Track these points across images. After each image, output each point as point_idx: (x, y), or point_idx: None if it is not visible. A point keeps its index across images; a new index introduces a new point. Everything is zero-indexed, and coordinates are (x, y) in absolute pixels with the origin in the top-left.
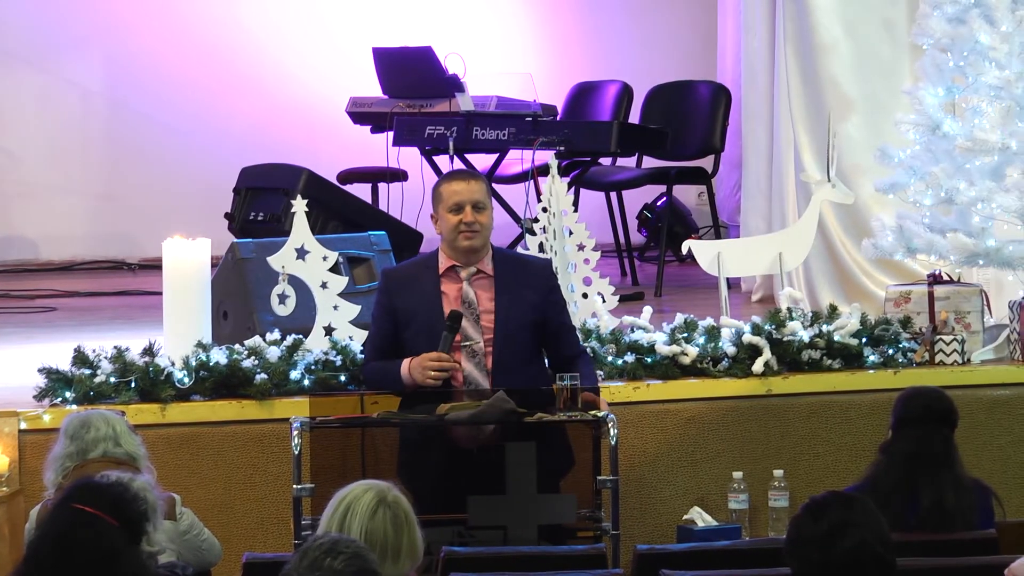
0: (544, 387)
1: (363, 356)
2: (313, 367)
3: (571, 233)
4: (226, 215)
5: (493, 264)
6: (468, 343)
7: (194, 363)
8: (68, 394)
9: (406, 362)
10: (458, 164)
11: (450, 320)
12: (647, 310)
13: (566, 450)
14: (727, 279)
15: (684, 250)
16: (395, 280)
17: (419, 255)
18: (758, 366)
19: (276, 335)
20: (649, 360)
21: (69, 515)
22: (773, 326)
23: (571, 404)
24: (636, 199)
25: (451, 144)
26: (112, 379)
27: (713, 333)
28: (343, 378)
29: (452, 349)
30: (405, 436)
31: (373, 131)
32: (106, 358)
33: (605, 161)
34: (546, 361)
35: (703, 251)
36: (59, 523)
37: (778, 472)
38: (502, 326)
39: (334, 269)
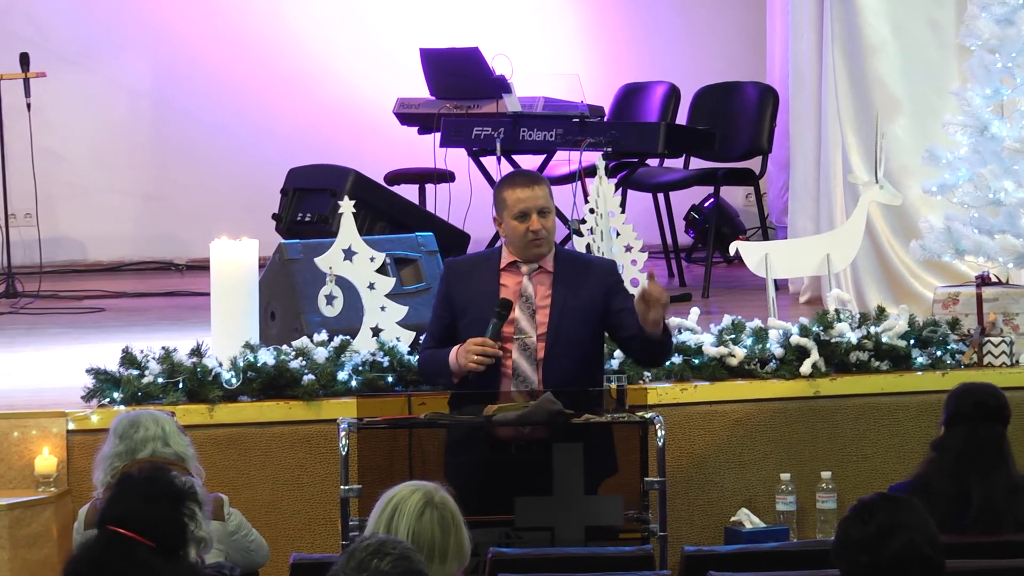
0: (593, 388)
1: (421, 345)
2: (360, 368)
3: (618, 234)
4: (273, 216)
5: (555, 262)
6: (520, 336)
7: (242, 364)
8: (116, 395)
9: (455, 348)
10: (505, 166)
11: (499, 307)
12: (694, 311)
13: (609, 455)
14: (775, 280)
15: (731, 251)
16: (456, 271)
17: (483, 249)
18: (806, 367)
19: (323, 336)
20: (696, 361)
21: (104, 539)
22: (821, 327)
23: (618, 405)
24: (683, 200)
25: (498, 145)
26: (160, 380)
27: (761, 335)
28: (390, 379)
29: (504, 340)
30: (452, 437)
31: (420, 132)
32: (154, 359)
33: (652, 162)
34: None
35: (750, 252)
36: (94, 548)
37: (826, 474)
38: (556, 319)
39: (381, 270)
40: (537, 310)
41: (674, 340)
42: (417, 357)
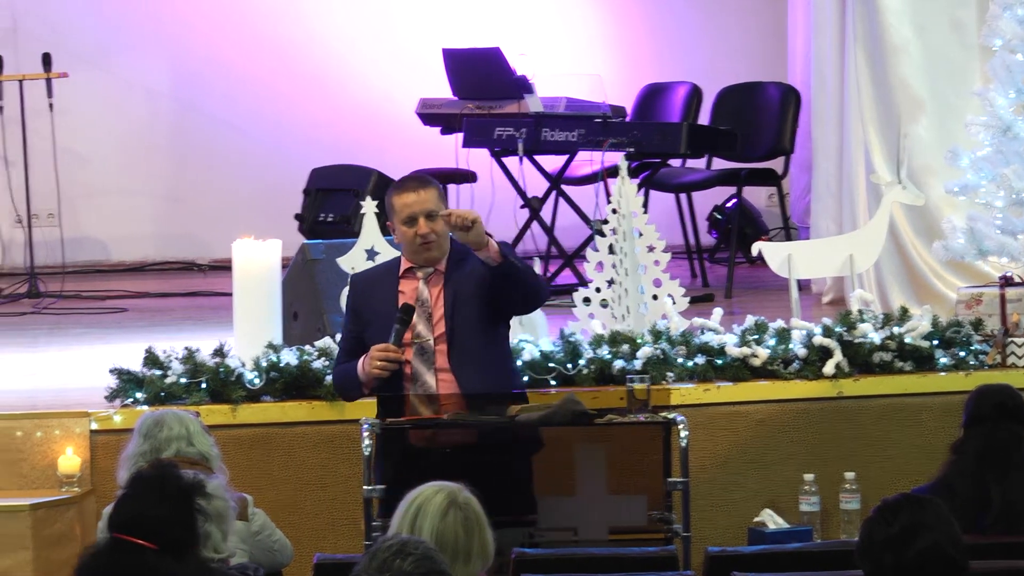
0: (508, 368)
1: (335, 361)
2: None
3: (641, 235)
4: (296, 216)
5: (448, 260)
6: (418, 340)
7: (264, 364)
8: (139, 395)
9: (362, 359)
10: (528, 166)
11: (401, 312)
12: (717, 312)
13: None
14: (797, 281)
15: (754, 252)
16: (358, 284)
17: (387, 260)
18: (829, 368)
19: None
20: (719, 362)
21: (109, 546)
22: (844, 328)
23: (642, 406)
24: (706, 201)
25: (520, 145)
26: (183, 380)
27: (784, 335)
28: None
29: (406, 345)
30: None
31: (443, 132)
32: (177, 359)
33: (675, 162)
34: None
35: (773, 253)
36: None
37: (849, 474)
38: (449, 316)
39: None
40: (433, 312)
41: (520, 263)
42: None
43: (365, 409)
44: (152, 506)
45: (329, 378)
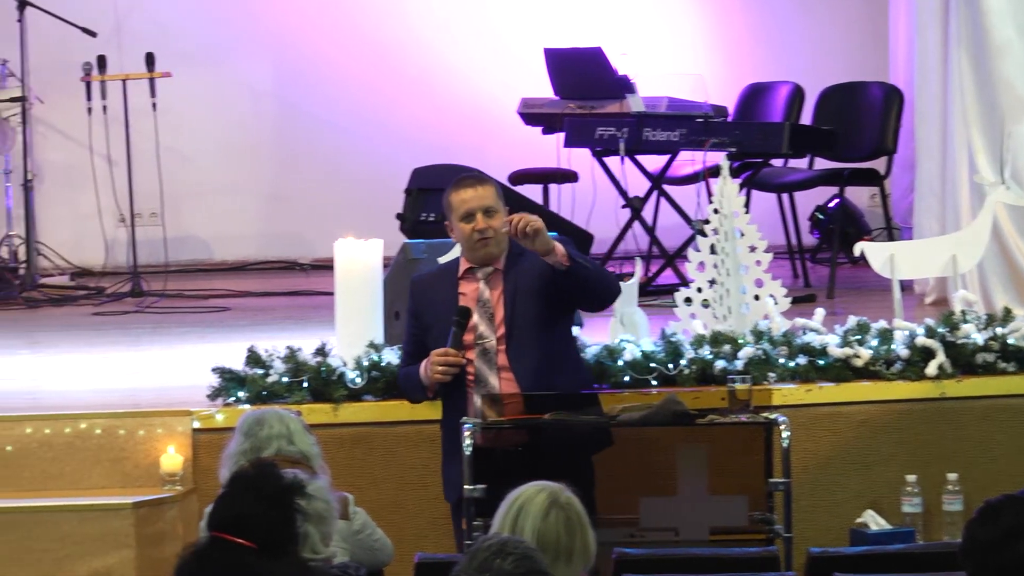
0: (573, 362)
1: (399, 363)
2: None
3: (742, 235)
4: (397, 215)
5: (507, 259)
6: (480, 341)
7: (366, 363)
8: (241, 394)
9: (423, 363)
10: (629, 166)
11: (458, 315)
12: (819, 312)
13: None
14: (900, 281)
15: (856, 252)
16: (418, 286)
17: (446, 262)
18: (931, 369)
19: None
20: (821, 362)
21: (208, 545)
22: (947, 329)
23: (743, 407)
24: (808, 200)
25: (622, 145)
26: (284, 379)
27: (886, 336)
28: None
29: (467, 347)
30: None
31: (544, 132)
32: (279, 358)
33: (777, 162)
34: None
35: (876, 253)
36: (199, 554)
37: (952, 475)
38: (509, 314)
39: None
40: (495, 312)
41: (589, 263)
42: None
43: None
44: (251, 505)
45: None
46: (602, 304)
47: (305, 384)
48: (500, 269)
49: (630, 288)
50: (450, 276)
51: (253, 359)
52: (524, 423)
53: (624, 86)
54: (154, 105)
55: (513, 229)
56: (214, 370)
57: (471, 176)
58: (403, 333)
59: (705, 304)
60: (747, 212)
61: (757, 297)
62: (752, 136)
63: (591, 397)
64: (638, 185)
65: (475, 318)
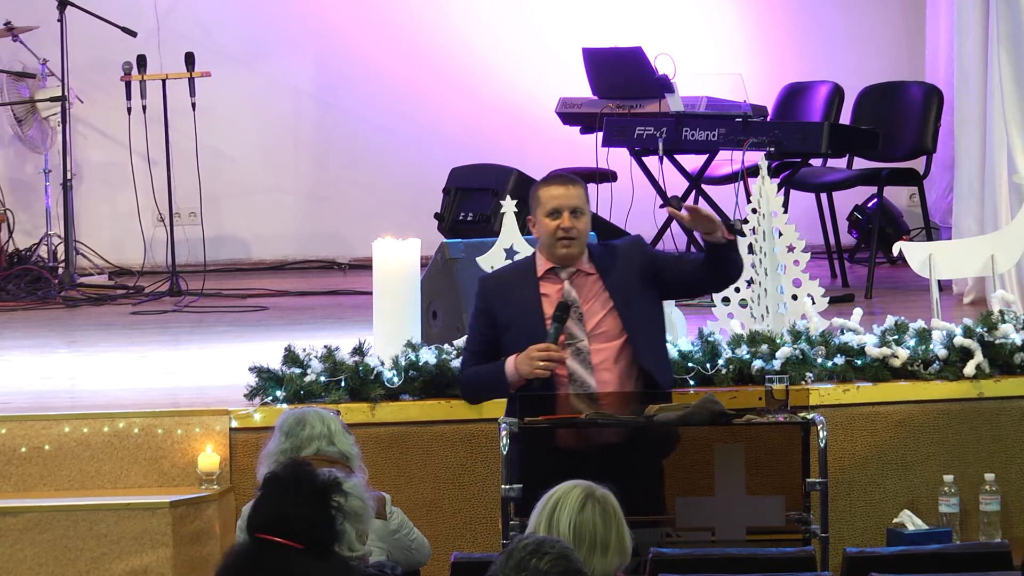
0: (669, 367)
1: (461, 364)
2: None
3: (781, 234)
4: (436, 215)
5: (592, 260)
6: (572, 341)
7: (404, 363)
8: (279, 393)
9: (511, 358)
10: (668, 165)
11: (559, 310)
12: (857, 312)
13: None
14: (938, 281)
15: (895, 252)
16: (492, 286)
17: (516, 261)
18: (970, 369)
19: None
20: (859, 362)
21: (252, 546)
22: (985, 329)
23: (781, 406)
24: (847, 200)
25: (660, 145)
26: (322, 378)
27: (924, 335)
28: None
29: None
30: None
31: (583, 132)
32: (316, 357)
33: (816, 162)
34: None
35: (914, 253)
36: (243, 555)
37: (989, 476)
38: (624, 312)
39: None
40: (584, 314)
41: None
42: (460, 376)
43: (503, 408)
44: (291, 506)
45: None
46: (725, 282)
47: (342, 383)
48: (587, 271)
49: None
50: (528, 275)
51: (291, 358)
52: (562, 422)
53: (663, 86)
54: (193, 104)
55: (697, 217)
56: (252, 369)
57: (561, 175)
58: (469, 333)
59: (743, 304)
60: (785, 212)
61: (795, 297)
62: (791, 136)
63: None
64: (677, 185)
65: None
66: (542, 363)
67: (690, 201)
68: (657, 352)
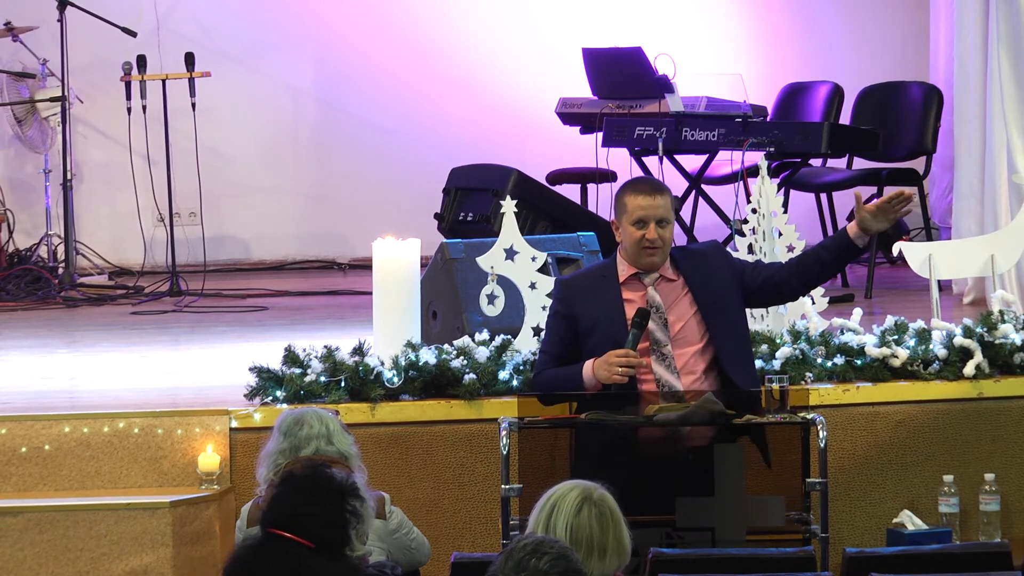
0: (755, 373)
1: (537, 365)
2: (522, 367)
3: (781, 234)
4: (436, 215)
5: (675, 266)
6: (657, 347)
7: (403, 363)
8: (279, 393)
9: (589, 363)
10: (668, 166)
11: (638, 316)
12: (857, 312)
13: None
14: (938, 281)
15: (895, 252)
16: (574, 289)
17: (594, 264)
18: (969, 369)
19: (485, 335)
20: (859, 362)
21: (264, 540)
22: (985, 329)
23: (780, 406)
24: (847, 200)
25: (660, 145)
26: (322, 378)
27: (924, 336)
28: None
29: (640, 353)
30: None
31: (582, 132)
32: (316, 357)
33: (816, 162)
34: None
35: (914, 253)
36: (254, 549)
37: (989, 476)
38: (710, 319)
39: (543, 270)
40: (668, 319)
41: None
42: (535, 378)
43: (504, 408)
44: (306, 504)
45: (468, 377)
46: (808, 287)
47: (343, 383)
48: (670, 278)
49: None
50: (610, 281)
51: (291, 358)
52: (561, 422)
53: (663, 86)
54: (193, 105)
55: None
56: (252, 369)
57: (650, 182)
58: (546, 335)
59: None
60: (785, 212)
61: None
62: (791, 136)
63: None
64: (676, 185)
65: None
66: (621, 369)
67: (690, 202)
68: (741, 358)
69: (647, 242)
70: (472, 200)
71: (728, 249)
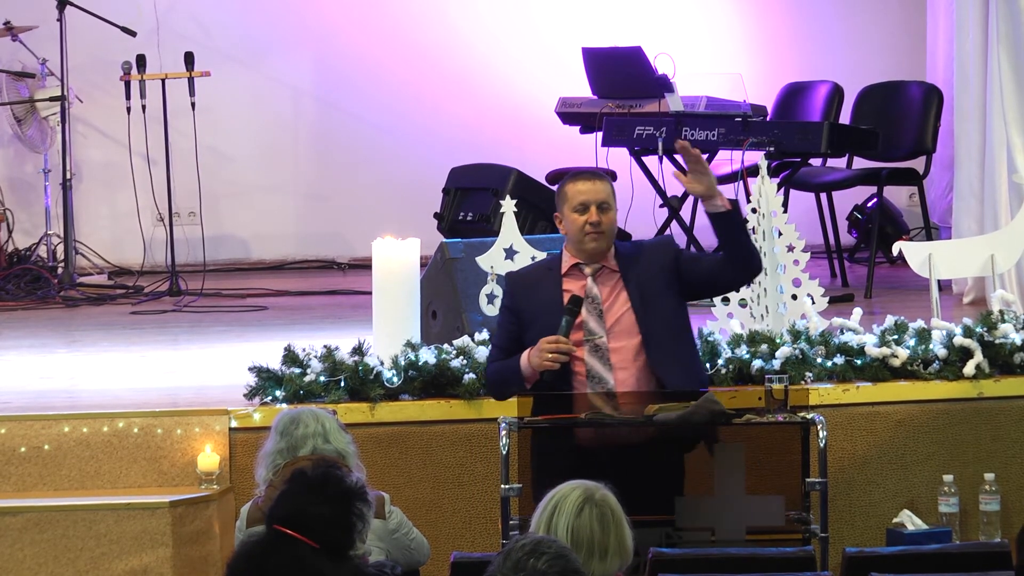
0: (698, 368)
1: (487, 359)
2: None
3: (780, 234)
4: (435, 215)
5: (617, 257)
6: (591, 337)
7: (403, 362)
8: (278, 393)
9: (525, 352)
10: (667, 165)
11: (570, 303)
12: (857, 312)
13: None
14: (938, 281)
15: (895, 252)
16: (518, 282)
17: (544, 258)
18: (969, 369)
19: (485, 335)
20: (859, 362)
21: (269, 538)
22: (985, 328)
23: (780, 406)
24: (846, 200)
25: (660, 144)
26: (322, 378)
27: (924, 335)
28: None
29: (575, 344)
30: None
31: (582, 131)
32: (316, 357)
33: (815, 162)
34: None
35: (914, 253)
36: (258, 546)
37: (989, 475)
38: (642, 314)
39: None
40: (604, 311)
41: (750, 235)
42: (485, 371)
43: (504, 408)
44: (313, 504)
45: (468, 376)
46: (745, 271)
47: (342, 383)
48: (610, 267)
49: None
50: (553, 273)
51: (290, 358)
52: (563, 422)
53: (663, 85)
54: (193, 104)
55: (693, 159)
56: (251, 369)
57: (589, 170)
58: (496, 329)
59: (742, 303)
60: (785, 211)
61: (795, 297)
62: (791, 135)
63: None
64: (676, 184)
65: (583, 314)
66: (550, 355)
67: (690, 202)
68: (672, 353)
69: (590, 226)
70: (472, 200)
71: (679, 246)
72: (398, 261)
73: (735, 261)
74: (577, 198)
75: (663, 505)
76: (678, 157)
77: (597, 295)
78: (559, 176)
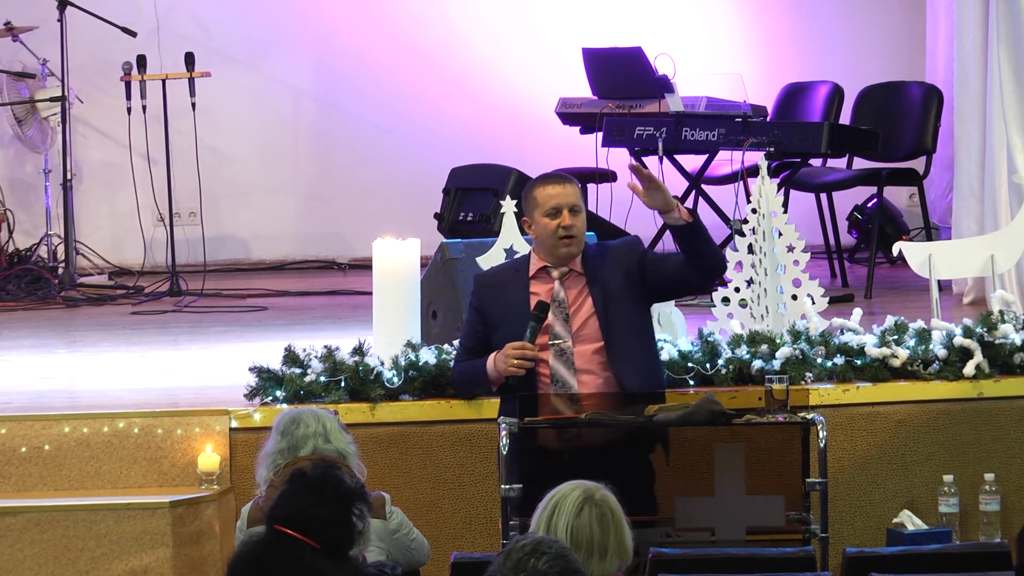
0: (657, 370)
1: (454, 358)
2: None
3: (781, 234)
4: (435, 215)
5: (583, 261)
6: (556, 341)
7: (403, 363)
8: (279, 393)
9: (492, 356)
10: (668, 165)
11: (537, 310)
12: (857, 312)
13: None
14: (938, 281)
15: (895, 252)
16: (486, 284)
17: (511, 260)
18: (969, 369)
19: None
20: (859, 362)
21: (270, 538)
22: (985, 329)
23: (780, 406)
24: (846, 200)
25: (660, 145)
26: (322, 378)
27: (924, 336)
28: None
29: (541, 347)
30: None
31: (582, 132)
32: (316, 357)
33: (815, 162)
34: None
35: (914, 253)
36: (259, 546)
37: (989, 476)
38: (604, 317)
39: None
40: (571, 315)
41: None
42: (452, 370)
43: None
44: (313, 505)
45: None
46: (713, 275)
47: (342, 384)
48: (577, 271)
49: None
50: (520, 275)
51: (291, 358)
52: (563, 422)
53: (663, 86)
54: (193, 104)
55: (646, 180)
56: (252, 369)
57: (557, 174)
58: (463, 328)
59: (743, 304)
60: (785, 212)
61: (795, 297)
62: (791, 136)
63: (661, 396)
64: (676, 185)
65: (550, 318)
66: (515, 361)
67: (690, 202)
68: (632, 356)
69: (563, 230)
70: (472, 200)
71: (644, 248)
72: (398, 261)
73: (699, 268)
74: (548, 202)
75: (645, 504)
76: (678, 157)
77: (564, 299)
78: None
